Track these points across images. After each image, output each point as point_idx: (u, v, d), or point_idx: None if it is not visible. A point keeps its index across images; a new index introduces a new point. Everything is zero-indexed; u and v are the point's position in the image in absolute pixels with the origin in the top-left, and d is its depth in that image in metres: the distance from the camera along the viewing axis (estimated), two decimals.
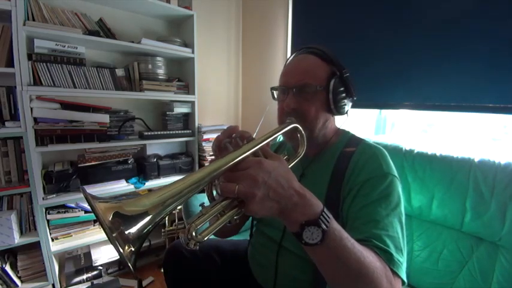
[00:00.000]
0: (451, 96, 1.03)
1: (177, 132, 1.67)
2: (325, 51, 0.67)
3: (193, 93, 1.72)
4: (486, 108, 0.95)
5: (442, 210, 0.86)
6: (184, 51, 1.63)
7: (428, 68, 1.07)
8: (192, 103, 1.74)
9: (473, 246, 0.80)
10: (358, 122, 1.49)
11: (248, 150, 0.43)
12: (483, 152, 0.83)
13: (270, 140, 0.49)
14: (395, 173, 0.61)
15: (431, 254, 0.86)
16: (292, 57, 0.73)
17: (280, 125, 0.63)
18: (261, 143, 0.46)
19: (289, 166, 0.46)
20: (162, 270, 0.83)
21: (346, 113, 0.70)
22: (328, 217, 0.41)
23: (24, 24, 1.13)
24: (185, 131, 1.71)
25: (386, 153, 0.65)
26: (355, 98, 0.70)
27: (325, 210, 0.41)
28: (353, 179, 0.60)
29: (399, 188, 0.59)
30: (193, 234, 0.36)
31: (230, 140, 0.47)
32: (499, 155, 0.79)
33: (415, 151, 0.94)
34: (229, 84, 2.15)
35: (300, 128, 0.60)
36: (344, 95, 0.67)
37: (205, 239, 0.37)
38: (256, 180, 0.37)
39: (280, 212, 0.40)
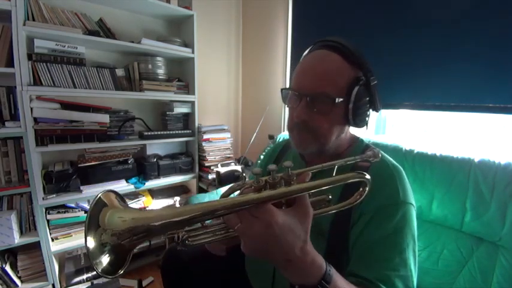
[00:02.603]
0: (451, 96, 1.03)
1: (177, 132, 1.67)
2: (352, 50, 0.56)
3: (193, 93, 1.72)
4: (486, 108, 0.95)
5: (442, 210, 0.86)
6: (184, 51, 1.63)
7: (428, 68, 1.07)
8: (192, 103, 1.74)
9: (473, 246, 0.80)
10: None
11: (271, 199, 0.37)
12: (483, 152, 0.83)
13: (321, 188, 0.40)
14: (412, 199, 0.56)
15: (431, 254, 0.86)
16: (310, 51, 0.61)
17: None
18: (303, 190, 0.38)
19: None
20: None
21: (366, 125, 0.61)
22: (328, 282, 0.39)
23: (24, 24, 1.13)
24: (185, 131, 1.71)
25: (403, 173, 0.58)
26: (379, 111, 0.61)
27: (325, 276, 0.39)
28: (366, 202, 0.52)
29: (414, 217, 0.55)
30: (186, 242, 0.42)
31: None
32: (499, 155, 0.79)
33: (415, 151, 0.94)
34: (229, 84, 2.15)
35: (368, 183, 0.43)
36: (367, 106, 0.58)
37: (193, 245, 0.43)
38: (256, 238, 0.36)
39: (274, 264, 0.40)
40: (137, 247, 0.39)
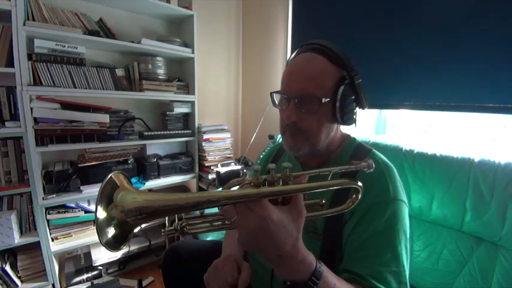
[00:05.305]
0: (451, 96, 1.03)
1: (177, 132, 1.67)
2: (336, 51, 0.58)
3: (193, 93, 1.72)
4: (486, 108, 0.95)
5: (442, 210, 0.86)
6: (184, 51, 1.64)
7: (428, 68, 1.07)
8: (192, 103, 1.74)
9: (473, 246, 0.80)
10: (358, 122, 1.49)
11: (268, 195, 0.38)
12: (483, 152, 0.83)
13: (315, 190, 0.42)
14: (403, 196, 0.57)
15: (431, 254, 0.86)
16: (296, 55, 0.63)
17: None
18: (299, 190, 0.40)
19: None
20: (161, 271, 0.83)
21: (354, 123, 0.62)
22: (317, 279, 0.40)
23: (24, 24, 1.13)
24: (185, 131, 1.71)
25: (394, 170, 0.60)
26: (365, 109, 0.63)
27: (315, 272, 0.40)
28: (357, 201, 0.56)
29: (406, 214, 0.55)
30: (184, 229, 0.44)
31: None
32: (499, 155, 0.79)
33: (415, 151, 0.94)
34: (229, 84, 2.15)
35: (360, 190, 0.44)
36: (354, 104, 0.60)
37: (191, 233, 0.45)
38: (250, 231, 0.38)
39: (266, 260, 0.41)
40: (142, 226, 0.40)
